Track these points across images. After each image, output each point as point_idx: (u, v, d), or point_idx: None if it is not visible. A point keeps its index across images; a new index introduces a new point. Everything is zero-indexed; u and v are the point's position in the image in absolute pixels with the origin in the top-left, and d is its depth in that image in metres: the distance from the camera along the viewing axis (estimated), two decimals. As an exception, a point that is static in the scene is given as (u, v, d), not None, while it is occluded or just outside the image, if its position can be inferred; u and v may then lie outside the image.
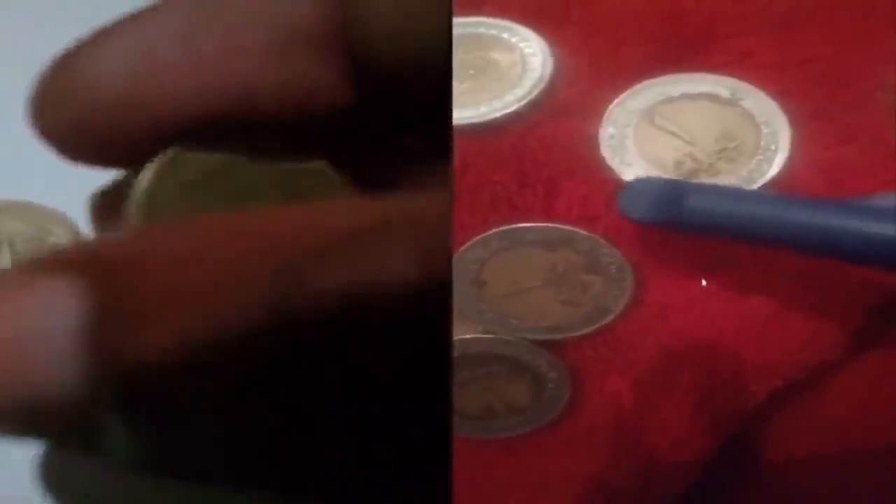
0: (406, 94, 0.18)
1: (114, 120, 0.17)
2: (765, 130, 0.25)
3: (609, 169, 0.25)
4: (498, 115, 0.25)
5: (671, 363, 0.24)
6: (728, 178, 0.25)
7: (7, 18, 0.25)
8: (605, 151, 0.25)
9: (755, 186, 0.25)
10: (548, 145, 0.25)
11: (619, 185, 0.25)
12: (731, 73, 0.26)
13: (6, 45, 0.23)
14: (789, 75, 0.26)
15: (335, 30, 0.17)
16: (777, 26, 0.26)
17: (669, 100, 0.26)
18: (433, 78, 0.17)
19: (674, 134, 0.25)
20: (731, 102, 0.25)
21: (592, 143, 0.25)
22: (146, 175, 0.17)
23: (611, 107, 0.25)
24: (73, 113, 0.17)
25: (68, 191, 0.19)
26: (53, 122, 0.17)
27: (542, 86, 0.26)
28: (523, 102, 0.26)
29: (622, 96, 0.25)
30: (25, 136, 0.18)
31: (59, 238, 0.22)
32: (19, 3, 0.25)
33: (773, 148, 0.25)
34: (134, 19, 0.17)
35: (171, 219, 0.17)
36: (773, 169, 0.25)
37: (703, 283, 0.24)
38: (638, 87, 0.26)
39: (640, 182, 0.24)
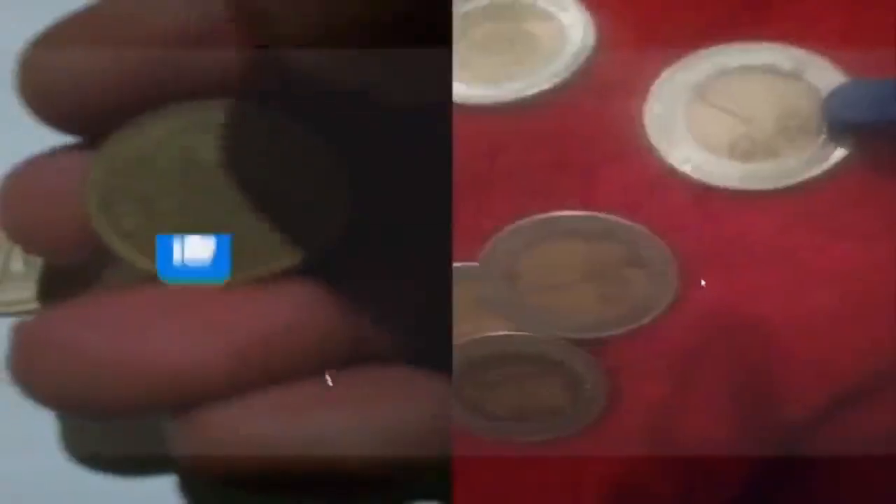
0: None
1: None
2: (832, 106, 0.23)
3: (655, 151, 0.23)
4: (534, 91, 0.23)
5: (717, 366, 0.22)
6: (788, 160, 0.22)
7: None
8: (652, 132, 0.23)
9: (821, 171, 0.22)
10: (588, 125, 0.23)
11: (664, 170, 0.23)
12: (794, 43, 0.23)
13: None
14: (859, 44, 0.23)
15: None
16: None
17: (724, 73, 0.23)
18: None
19: (729, 112, 0.23)
20: (794, 75, 0.23)
21: (637, 123, 0.23)
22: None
23: (658, 82, 0.23)
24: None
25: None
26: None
27: (581, 59, 0.23)
28: (561, 78, 0.23)
29: (671, 70, 0.23)
30: (33, 138, 0.18)
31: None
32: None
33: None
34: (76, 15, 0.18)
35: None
36: (840, 150, 0.22)
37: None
38: (689, 59, 0.23)
39: (851, 84, 0.22)
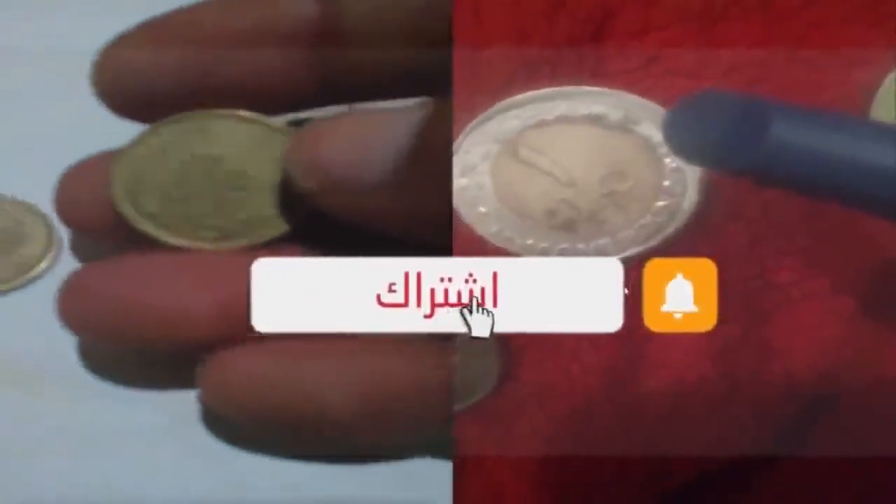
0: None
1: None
2: (669, 164, 0.19)
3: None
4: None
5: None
6: (619, 231, 0.19)
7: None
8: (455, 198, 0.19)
9: (655, 243, 0.19)
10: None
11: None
12: (626, 87, 0.19)
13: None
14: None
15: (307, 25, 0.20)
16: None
17: (542, 124, 0.19)
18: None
19: (545, 171, 0.19)
20: (623, 127, 0.19)
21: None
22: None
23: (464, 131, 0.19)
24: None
25: (40, 183, 0.21)
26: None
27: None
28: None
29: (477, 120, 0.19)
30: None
31: (31, 229, 0.23)
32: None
33: (679, 188, 0.19)
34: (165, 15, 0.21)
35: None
36: (680, 217, 0.19)
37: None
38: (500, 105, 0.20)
39: (691, 99, 0.16)
